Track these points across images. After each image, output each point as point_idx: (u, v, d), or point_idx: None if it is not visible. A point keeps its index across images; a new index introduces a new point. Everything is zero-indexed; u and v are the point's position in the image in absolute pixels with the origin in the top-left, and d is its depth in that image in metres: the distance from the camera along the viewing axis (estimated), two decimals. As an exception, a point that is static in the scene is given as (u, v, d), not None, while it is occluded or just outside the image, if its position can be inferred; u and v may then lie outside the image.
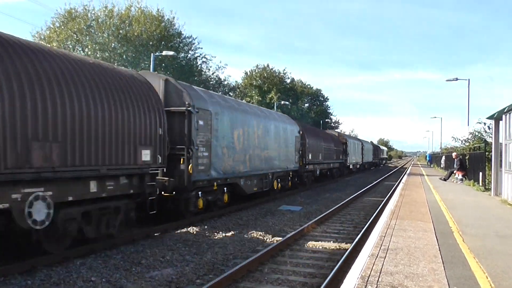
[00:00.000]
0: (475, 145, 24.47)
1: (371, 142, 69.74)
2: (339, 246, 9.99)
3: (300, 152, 22.54)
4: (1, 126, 6.36)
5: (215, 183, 13.11)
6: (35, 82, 7.05)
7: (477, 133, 26.28)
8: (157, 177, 10.47)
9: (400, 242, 6.69)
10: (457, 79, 31.89)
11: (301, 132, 22.93)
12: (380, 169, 61.25)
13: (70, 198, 7.88)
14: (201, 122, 12.12)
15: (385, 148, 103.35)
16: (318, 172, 27.42)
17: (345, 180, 33.07)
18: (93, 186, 8.42)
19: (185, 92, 11.76)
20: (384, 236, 7.03)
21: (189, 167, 11.43)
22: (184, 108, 11.51)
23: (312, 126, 37.64)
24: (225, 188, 14.14)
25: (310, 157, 24.78)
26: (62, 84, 7.60)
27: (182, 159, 11.41)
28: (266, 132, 17.38)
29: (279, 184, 19.56)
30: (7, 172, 6.48)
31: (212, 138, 12.75)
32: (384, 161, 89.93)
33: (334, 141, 32.27)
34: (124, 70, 10.60)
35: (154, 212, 10.31)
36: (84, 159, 7.99)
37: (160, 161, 10.21)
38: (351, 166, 39.69)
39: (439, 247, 6.44)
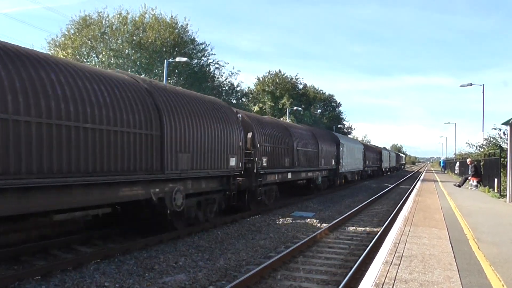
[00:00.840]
0: (490, 151, 24.17)
1: (396, 152, 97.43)
2: (352, 252, 9.94)
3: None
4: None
5: None
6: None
7: (492, 139, 25.95)
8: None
9: (415, 249, 6.62)
10: (471, 84, 31.56)
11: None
12: (397, 174, 68.03)
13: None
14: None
15: (403, 156, 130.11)
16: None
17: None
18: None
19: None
20: (398, 243, 6.96)
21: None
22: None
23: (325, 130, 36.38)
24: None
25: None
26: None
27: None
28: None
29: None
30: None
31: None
32: (402, 166, 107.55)
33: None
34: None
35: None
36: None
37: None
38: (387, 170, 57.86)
39: (454, 255, 6.36)
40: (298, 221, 14.17)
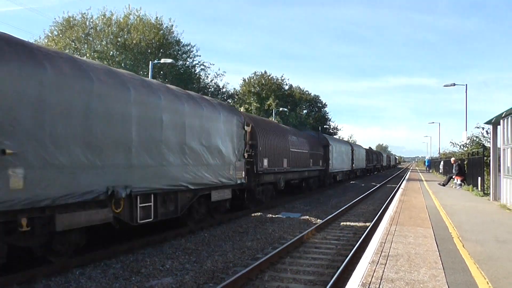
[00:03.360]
0: (474, 150, 24.51)
1: (390, 152, 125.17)
2: (339, 252, 9.99)
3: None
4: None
5: None
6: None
7: (475, 138, 26.33)
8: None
9: (401, 248, 6.68)
10: (454, 84, 31.97)
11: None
12: (383, 173, 67.78)
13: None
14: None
15: (396, 156, 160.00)
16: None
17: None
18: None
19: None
20: (384, 243, 7.01)
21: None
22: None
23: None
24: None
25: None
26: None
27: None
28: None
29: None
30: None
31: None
32: (394, 164, 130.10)
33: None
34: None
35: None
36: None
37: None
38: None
39: (439, 253, 6.43)
40: (285, 222, 14.19)
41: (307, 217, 15.15)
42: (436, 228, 8.81)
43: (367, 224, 13.67)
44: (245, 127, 14.89)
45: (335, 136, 61.83)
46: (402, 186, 23.39)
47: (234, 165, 13.66)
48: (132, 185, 9.03)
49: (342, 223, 14.01)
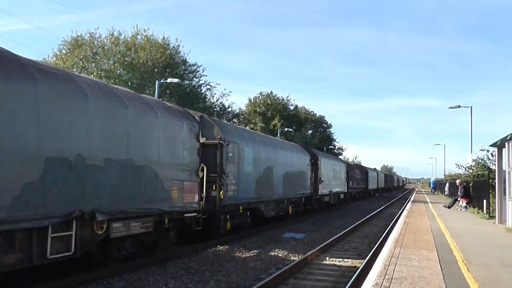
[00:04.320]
0: (479, 172, 24.41)
1: (397, 175, 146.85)
2: (343, 274, 9.94)
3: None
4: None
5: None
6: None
7: (480, 160, 26.25)
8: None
9: (404, 271, 6.65)
10: (459, 106, 32.05)
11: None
12: (389, 195, 66.50)
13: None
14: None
15: (403, 178, 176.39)
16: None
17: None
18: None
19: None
20: (388, 265, 6.99)
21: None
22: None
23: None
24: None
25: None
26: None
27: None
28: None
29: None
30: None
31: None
32: (402, 185, 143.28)
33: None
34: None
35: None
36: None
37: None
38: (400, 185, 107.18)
39: (443, 277, 6.39)
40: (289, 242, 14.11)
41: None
42: (441, 251, 8.75)
43: (372, 246, 13.60)
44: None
45: (340, 157, 61.73)
46: (407, 208, 23.25)
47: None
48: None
49: (345, 246, 13.93)
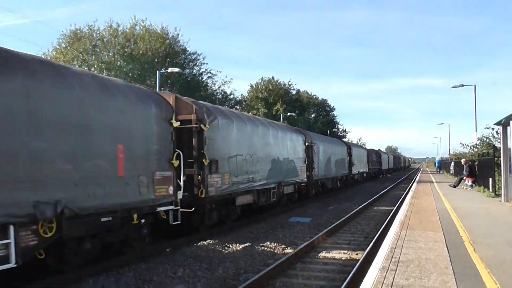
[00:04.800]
0: (484, 151, 24.33)
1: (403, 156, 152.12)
2: (350, 256, 10.04)
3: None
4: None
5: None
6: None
7: (485, 139, 26.13)
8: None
9: (411, 253, 6.68)
10: (462, 85, 31.82)
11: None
12: (397, 175, 68.96)
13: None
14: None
15: (409, 158, 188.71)
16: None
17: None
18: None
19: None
20: (395, 248, 7.02)
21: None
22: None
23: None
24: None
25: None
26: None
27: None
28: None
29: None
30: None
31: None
32: (408, 165, 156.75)
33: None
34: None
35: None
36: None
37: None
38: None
39: (450, 258, 6.41)
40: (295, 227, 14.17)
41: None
42: (447, 232, 8.78)
43: (378, 227, 13.70)
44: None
45: (344, 140, 61.88)
46: (413, 188, 23.27)
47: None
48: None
49: (352, 229, 13.99)
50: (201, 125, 11.55)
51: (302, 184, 21.05)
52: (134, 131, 8.92)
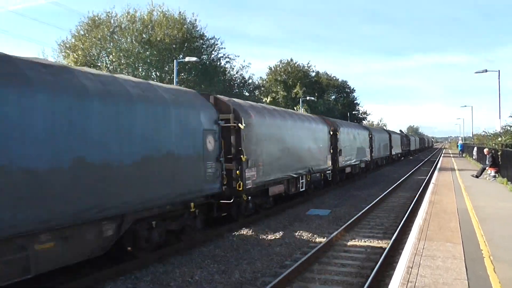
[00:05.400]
0: (508, 141, 23.71)
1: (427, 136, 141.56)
2: (369, 257, 10.07)
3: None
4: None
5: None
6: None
7: (509, 127, 25.43)
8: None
9: (428, 275, 6.52)
10: (486, 70, 30.93)
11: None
12: (421, 156, 75.03)
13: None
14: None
15: (431, 138, 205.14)
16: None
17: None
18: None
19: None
20: (412, 267, 6.88)
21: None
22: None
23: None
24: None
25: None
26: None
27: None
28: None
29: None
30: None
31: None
32: (431, 145, 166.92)
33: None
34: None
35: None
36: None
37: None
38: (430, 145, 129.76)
39: (468, 283, 6.21)
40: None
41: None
42: (466, 243, 8.55)
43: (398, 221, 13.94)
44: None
45: (364, 122, 61.24)
46: (433, 180, 22.87)
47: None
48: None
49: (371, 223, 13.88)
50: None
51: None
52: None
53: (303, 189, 18.51)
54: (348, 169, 26.52)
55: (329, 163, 22.23)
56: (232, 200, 12.64)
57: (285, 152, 16.25)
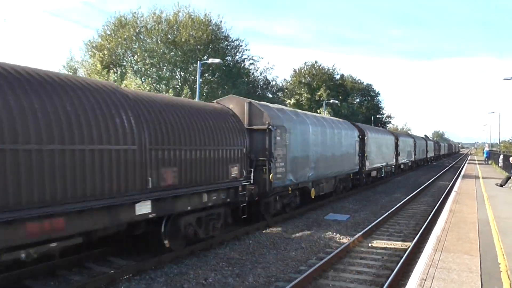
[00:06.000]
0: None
1: (454, 142, 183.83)
2: (385, 265, 10.02)
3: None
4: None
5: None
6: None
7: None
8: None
9: (441, 288, 6.42)
10: (515, 77, 30.21)
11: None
12: (447, 161, 78.16)
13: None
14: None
15: (458, 144, 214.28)
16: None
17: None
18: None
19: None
20: (425, 280, 6.76)
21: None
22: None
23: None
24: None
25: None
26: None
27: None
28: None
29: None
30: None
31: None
32: (458, 151, 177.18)
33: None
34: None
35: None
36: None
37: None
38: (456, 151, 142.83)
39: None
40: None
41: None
42: (484, 256, 8.36)
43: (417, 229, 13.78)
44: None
45: (388, 126, 60.51)
46: (456, 188, 22.41)
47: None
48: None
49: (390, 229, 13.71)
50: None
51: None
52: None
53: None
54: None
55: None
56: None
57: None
